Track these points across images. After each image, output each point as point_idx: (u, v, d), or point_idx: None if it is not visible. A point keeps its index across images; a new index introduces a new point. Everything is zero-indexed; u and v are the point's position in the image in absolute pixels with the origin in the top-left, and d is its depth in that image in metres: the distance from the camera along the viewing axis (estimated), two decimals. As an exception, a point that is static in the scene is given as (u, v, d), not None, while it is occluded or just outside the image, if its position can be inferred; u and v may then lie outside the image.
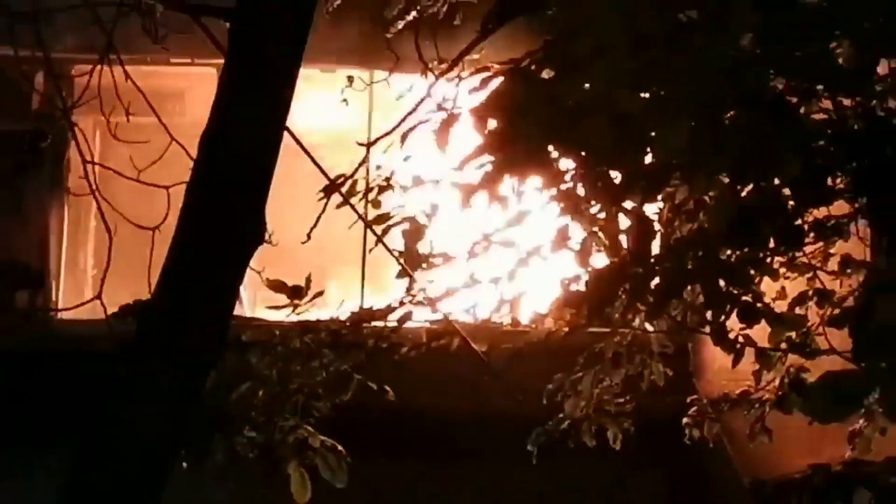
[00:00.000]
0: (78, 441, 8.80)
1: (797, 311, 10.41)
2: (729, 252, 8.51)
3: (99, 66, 10.88)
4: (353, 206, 11.62)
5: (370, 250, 11.83)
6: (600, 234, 9.02)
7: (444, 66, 12.23)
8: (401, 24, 12.80)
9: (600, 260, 10.26)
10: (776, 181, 7.14)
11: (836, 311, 10.25)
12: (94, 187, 10.78)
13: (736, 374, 11.46)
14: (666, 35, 5.71)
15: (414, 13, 12.72)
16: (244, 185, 8.65)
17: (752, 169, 6.34)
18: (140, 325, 8.79)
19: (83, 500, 8.64)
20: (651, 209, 8.43)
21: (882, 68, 7.49)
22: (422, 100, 11.71)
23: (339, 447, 11.24)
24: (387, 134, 11.81)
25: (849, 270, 10.44)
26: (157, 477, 8.70)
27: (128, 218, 11.25)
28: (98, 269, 14.70)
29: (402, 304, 11.65)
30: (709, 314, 9.67)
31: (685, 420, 12.37)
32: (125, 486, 8.63)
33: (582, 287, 10.42)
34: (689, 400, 12.48)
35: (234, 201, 8.66)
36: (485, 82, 8.92)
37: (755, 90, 5.68)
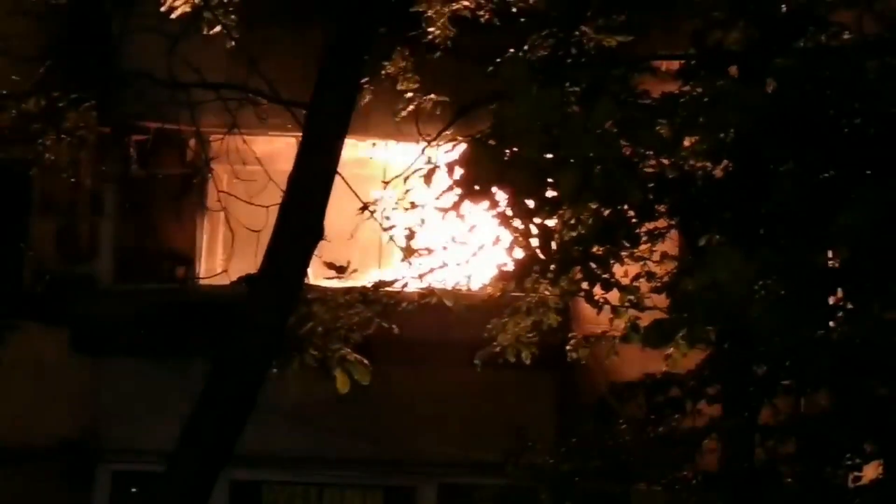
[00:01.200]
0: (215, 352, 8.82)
1: (635, 284, 10.39)
2: (596, 248, 8.49)
3: (227, 135, 10.87)
4: (376, 219, 11.65)
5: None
6: (520, 237, 9.06)
7: (430, 137, 12.24)
8: (403, 113, 12.81)
9: (519, 252, 10.35)
10: (625, 206, 7.18)
11: (658, 284, 10.21)
12: (222, 205, 10.80)
13: (598, 321, 11.48)
14: (562, 121, 5.71)
15: (412, 105, 12.72)
16: (312, 205, 8.67)
17: (611, 199, 6.33)
18: (252, 286, 8.80)
19: (218, 388, 8.64)
20: (550, 223, 8.42)
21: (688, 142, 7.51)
22: (418, 157, 11.75)
23: (366, 361, 11.26)
24: (396, 177, 11.84)
25: (665, 260, 10.40)
26: (261, 375, 8.72)
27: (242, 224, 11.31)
28: (225, 255, 14.55)
29: (403, 278, 11.69)
30: (584, 285, 9.72)
31: (567, 347, 12.33)
32: (243, 379, 8.64)
33: (510, 268, 10.51)
34: (569, 336, 12.44)
35: (306, 215, 8.69)
36: (454, 147, 8.98)
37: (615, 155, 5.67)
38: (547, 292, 11.65)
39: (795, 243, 5.83)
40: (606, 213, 7.38)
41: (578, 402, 14.45)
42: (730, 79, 6.81)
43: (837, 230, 5.43)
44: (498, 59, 10.69)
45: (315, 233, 8.67)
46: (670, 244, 10.14)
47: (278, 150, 15.13)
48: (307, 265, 8.80)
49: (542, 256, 7.28)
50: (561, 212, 7.70)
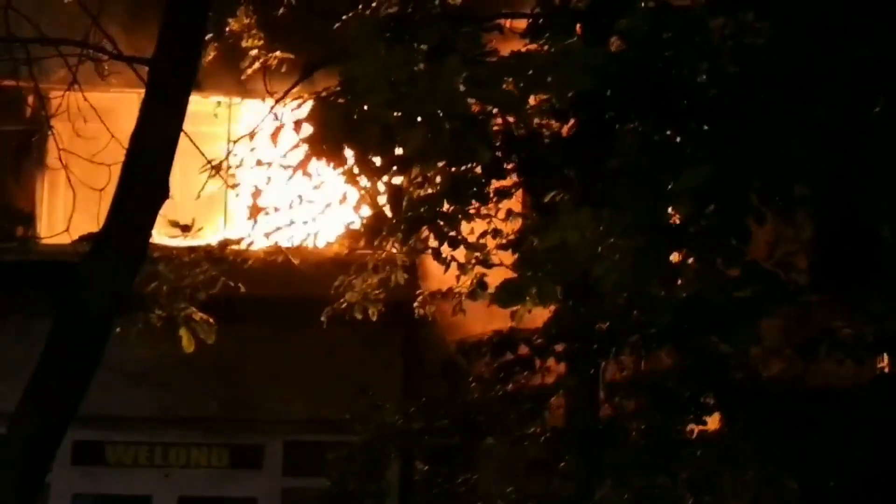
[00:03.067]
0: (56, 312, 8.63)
1: (481, 241, 10.42)
2: (446, 206, 8.49)
3: (67, 91, 10.65)
4: (222, 178, 11.53)
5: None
6: (367, 196, 9.04)
7: (277, 95, 12.15)
8: (249, 71, 12.70)
9: (367, 211, 10.35)
10: (473, 164, 7.18)
11: (504, 241, 10.27)
12: (63, 163, 10.59)
13: (444, 279, 11.52)
14: (409, 79, 5.70)
15: (259, 63, 12.60)
16: (157, 164, 8.53)
17: (459, 158, 6.33)
18: (94, 244, 8.63)
19: (59, 347, 8.47)
20: (399, 182, 8.40)
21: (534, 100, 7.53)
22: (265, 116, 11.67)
23: (210, 319, 11.15)
24: (243, 136, 11.73)
25: (511, 218, 10.44)
26: (104, 334, 8.56)
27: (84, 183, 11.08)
28: (66, 214, 14.32)
29: (249, 236, 11.59)
30: (431, 242, 9.72)
31: (415, 304, 12.36)
32: (85, 339, 8.47)
33: (357, 226, 10.51)
34: (417, 292, 12.46)
35: (151, 173, 8.54)
36: (301, 105, 8.90)
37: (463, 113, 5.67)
38: (394, 250, 11.65)
39: (638, 202, 5.87)
40: (454, 171, 7.37)
41: (425, 359, 14.58)
42: (576, 38, 6.84)
43: (679, 189, 5.48)
44: (344, 17, 10.72)
45: (161, 191, 8.50)
46: (515, 202, 10.19)
47: (120, 106, 14.91)
48: (153, 224, 8.63)
49: (389, 215, 7.23)
50: (409, 171, 7.67)
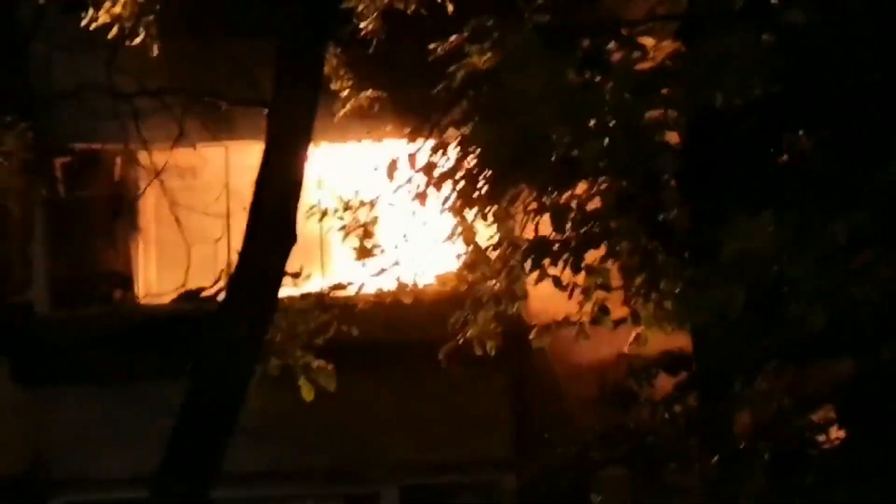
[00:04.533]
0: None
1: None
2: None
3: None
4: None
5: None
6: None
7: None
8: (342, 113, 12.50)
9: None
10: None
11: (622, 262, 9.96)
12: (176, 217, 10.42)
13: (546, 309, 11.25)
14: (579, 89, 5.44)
15: (350, 105, 12.41)
16: (283, 210, 8.32)
17: (629, 168, 6.05)
18: (226, 297, 8.41)
19: (198, 406, 8.26)
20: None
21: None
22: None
23: (330, 366, 10.94)
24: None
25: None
26: (242, 389, 8.37)
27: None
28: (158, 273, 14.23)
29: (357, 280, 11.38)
30: (552, 270, 9.44)
31: (531, 336, 12.06)
32: (223, 395, 8.28)
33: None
34: (531, 324, 12.17)
35: (277, 220, 8.34)
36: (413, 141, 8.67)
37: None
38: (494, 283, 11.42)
39: (820, 204, 5.59)
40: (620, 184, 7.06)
41: (533, 393, 14.28)
42: (738, 37, 6.53)
43: (879, 184, 5.20)
44: (429, 45, 10.47)
45: (289, 237, 8.31)
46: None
47: (200, 162, 14.79)
48: (283, 270, 8.43)
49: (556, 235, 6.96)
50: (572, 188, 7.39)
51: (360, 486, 14.00)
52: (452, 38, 8.15)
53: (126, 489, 13.80)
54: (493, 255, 10.39)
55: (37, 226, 14.27)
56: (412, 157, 8.36)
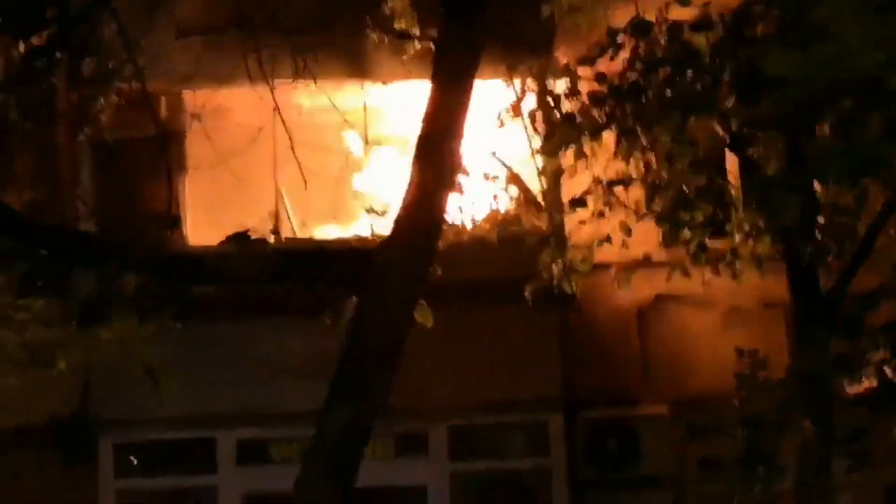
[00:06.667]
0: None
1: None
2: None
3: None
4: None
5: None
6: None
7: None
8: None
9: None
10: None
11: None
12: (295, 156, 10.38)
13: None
14: None
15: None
16: (448, 146, 8.38)
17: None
18: (393, 229, 8.43)
19: (363, 339, 8.33)
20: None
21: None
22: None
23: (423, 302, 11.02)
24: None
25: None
26: (408, 320, 8.49)
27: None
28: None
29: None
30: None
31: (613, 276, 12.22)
32: (391, 325, 8.37)
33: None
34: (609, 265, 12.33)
35: (442, 156, 8.39)
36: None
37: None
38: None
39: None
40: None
41: (580, 335, 14.45)
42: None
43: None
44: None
45: (453, 172, 8.42)
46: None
47: (233, 103, 14.75)
48: (446, 205, 8.53)
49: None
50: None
51: (409, 425, 14.06)
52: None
53: (176, 430, 13.85)
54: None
55: (83, 168, 14.17)
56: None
